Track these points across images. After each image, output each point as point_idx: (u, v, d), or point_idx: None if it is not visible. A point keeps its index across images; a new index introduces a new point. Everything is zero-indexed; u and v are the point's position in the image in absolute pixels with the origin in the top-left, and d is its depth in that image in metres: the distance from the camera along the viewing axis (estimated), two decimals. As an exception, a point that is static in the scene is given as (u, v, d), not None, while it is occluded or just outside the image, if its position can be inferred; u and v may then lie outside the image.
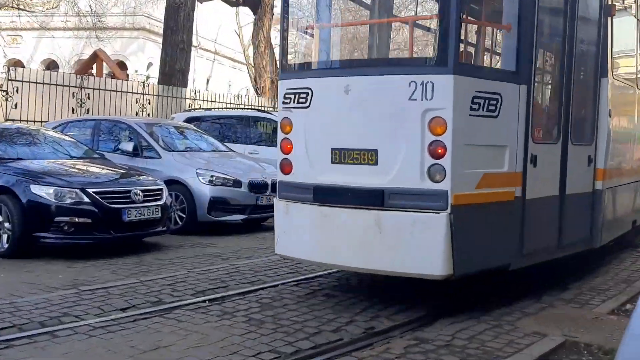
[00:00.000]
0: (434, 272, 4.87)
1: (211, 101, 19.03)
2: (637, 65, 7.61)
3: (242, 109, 17.91)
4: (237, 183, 9.32)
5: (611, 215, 6.89)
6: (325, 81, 5.27)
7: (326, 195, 5.24)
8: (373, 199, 5.02)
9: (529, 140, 5.38)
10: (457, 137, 4.80)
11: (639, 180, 7.90)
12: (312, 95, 5.31)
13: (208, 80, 37.02)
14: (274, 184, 9.33)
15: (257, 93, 24.49)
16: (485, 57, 5.89)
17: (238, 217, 9.30)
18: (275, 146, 11.66)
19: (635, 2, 7.40)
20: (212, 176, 9.21)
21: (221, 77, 37.14)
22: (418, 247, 4.87)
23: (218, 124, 12.88)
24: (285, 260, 6.90)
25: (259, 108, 18.55)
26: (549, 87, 6.06)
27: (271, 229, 9.57)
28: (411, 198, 4.91)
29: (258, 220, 10.00)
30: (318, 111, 5.29)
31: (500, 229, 5.25)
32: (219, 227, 9.35)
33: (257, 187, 9.47)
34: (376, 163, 5.04)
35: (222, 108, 17.73)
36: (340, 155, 5.19)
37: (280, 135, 5.62)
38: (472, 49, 5.77)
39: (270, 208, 9.65)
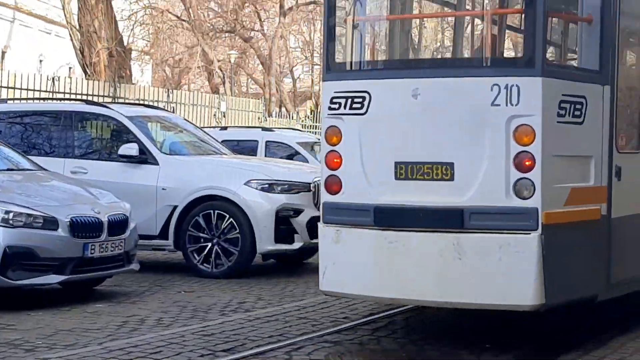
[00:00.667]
0: (524, 302, 6.94)
1: (8, 87, 19.02)
2: None
3: (60, 99, 17.88)
4: (50, 222, 9.26)
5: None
6: (388, 83, 7.27)
7: (391, 218, 7.22)
8: (450, 220, 7.04)
9: (613, 150, 7.59)
10: (546, 147, 6.91)
11: None
12: (370, 100, 7.29)
13: (4, 54, 37.79)
14: (115, 223, 9.78)
15: (85, 73, 24.86)
16: (566, 54, 8.05)
17: (53, 278, 9.28)
18: (118, 160, 12.38)
19: None
20: (7, 212, 9.10)
21: (26, 47, 37.81)
22: (505, 273, 6.92)
23: (19, 126, 12.85)
24: (132, 351, 7.31)
25: (89, 99, 18.74)
26: (632, 87, 8.29)
27: (111, 295, 10.29)
28: (495, 218, 6.97)
29: (87, 283, 10.15)
30: (378, 119, 7.27)
31: (587, 253, 7.40)
32: (21, 295, 9.54)
33: (84, 228, 9.46)
34: (452, 178, 7.07)
35: (28, 99, 17.66)
36: (406, 170, 7.19)
37: (325, 147, 7.57)
38: (553, 46, 7.91)
39: (108, 261, 9.80)
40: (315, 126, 35.43)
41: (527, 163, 6.92)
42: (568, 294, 7.28)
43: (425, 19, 8.39)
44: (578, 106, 7.22)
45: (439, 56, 8.46)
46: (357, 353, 7.73)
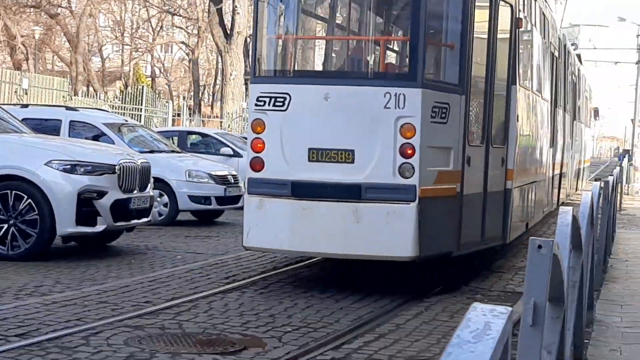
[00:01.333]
0: (405, 254, 9.61)
1: None
2: (541, 76, 13.19)
3: None
4: None
5: (516, 214, 12.25)
6: (305, 88, 9.77)
7: (305, 190, 9.71)
8: (350, 193, 9.61)
9: (466, 143, 10.38)
10: (423, 140, 9.59)
11: (534, 182, 13.49)
12: (290, 100, 9.76)
13: None
14: None
15: None
16: (436, 71, 10.74)
17: None
18: None
19: (541, 20, 12.93)
20: None
21: None
22: (391, 233, 9.56)
23: None
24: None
25: None
26: (477, 95, 11.10)
27: None
28: (384, 192, 9.59)
29: None
30: (296, 114, 9.75)
31: (448, 220, 10.16)
32: None
33: None
34: (353, 161, 9.64)
35: None
36: (317, 154, 9.70)
37: (251, 135, 9.98)
38: (428, 65, 10.57)
39: None
40: (124, 107, 37.00)
41: (409, 152, 9.58)
42: (434, 249, 10.02)
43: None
44: (444, 110, 9.95)
45: (346, 69, 10.98)
46: (158, 337, 7.82)
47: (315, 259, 12.05)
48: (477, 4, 10.50)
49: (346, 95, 9.68)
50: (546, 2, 15.92)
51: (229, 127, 38.03)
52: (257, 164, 10.00)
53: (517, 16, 11.73)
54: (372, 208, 9.64)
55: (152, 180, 13.70)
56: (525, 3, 12.66)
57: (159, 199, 16.40)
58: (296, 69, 10.35)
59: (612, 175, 16.11)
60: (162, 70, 69.62)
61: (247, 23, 43.50)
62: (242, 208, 16.05)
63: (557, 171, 19.25)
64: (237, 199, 17.84)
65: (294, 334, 8.25)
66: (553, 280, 4.10)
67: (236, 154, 21.44)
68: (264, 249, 10.40)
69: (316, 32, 10.86)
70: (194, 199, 17.01)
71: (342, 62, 11.10)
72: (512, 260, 13.37)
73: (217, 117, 44.65)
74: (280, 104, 9.82)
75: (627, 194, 29.22)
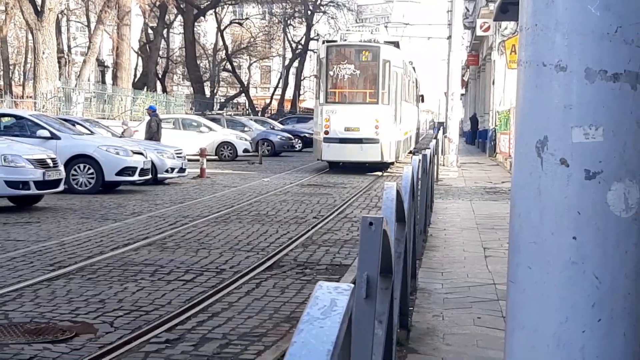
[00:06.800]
0: (378, 159, 33.23)
1: None
2: (408, 93, 37.75)
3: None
4: None
5: (406, 146, 36.49)
6: (342, 106, 33.00)
7: (343, 140, 32.99)
8: (359, 140, 33.00)
9: (392, 123, 34.16)
10: (382, 123, 33.27)
11: (408, 137, 38.17)
12: (337, 110, 33.22)
13: None
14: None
15: None
16: (384, 98, 34.22)
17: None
18: None
19: (408, 70, 37.34)
20: None
21: None
22: (372, 153, 32.97)
23: None
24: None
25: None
26: (392, 106, 34.39)
27: None
28: (370, 140, 32.83)
29: None
30: (339, 115, 32.78)
31: (389, 148, 33.96)
32: None
33: None
34: (359, 130, 33.04)
35: None
36: (347, 128, 33.09)
37: (324, 122, 33.30)
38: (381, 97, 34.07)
39: None
40: None
41: (377, 127, 33.02)
42: (386, 158, 33.54)
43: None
44: (388, 113, 33.60)
45: (355, 100, 34.31)
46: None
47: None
48: (393, 71, 34.12)
49: (357, 108, 33.01)
50: (411, 64, 40.24)
51: (43, 107, 37.32)
52: (327, 132, 33.14)
53: (402, 74, 35.66)
54: (367, 145, 32.56)
55: None
56: (405, 67, 36.57)
57: (-27, 186, 14.93)
58: (338, 101, 33.72)
59: (429, 148, 17.80)
60: (-34, 50, 66.83)
61: (59, 0, 44.29)
62: (62, 192, 18.73)
63: (411, 133, 43.55)
64: (57, 182, 17.64)
65: (125, 318, 8.43)
66: (382, 254, 4.34)
67: (54, 136, 21.29)
68: (329, 160, 33.57)
69: (343, 85, 34.55)
70: (10, 184, 16.65)
71: (354, 96, 34.44)
72: (337, 234, 14.95)
73: (30, 97, 43.14)
74: (334, 111, 33.02)
75: (443, 165, 33.11)
